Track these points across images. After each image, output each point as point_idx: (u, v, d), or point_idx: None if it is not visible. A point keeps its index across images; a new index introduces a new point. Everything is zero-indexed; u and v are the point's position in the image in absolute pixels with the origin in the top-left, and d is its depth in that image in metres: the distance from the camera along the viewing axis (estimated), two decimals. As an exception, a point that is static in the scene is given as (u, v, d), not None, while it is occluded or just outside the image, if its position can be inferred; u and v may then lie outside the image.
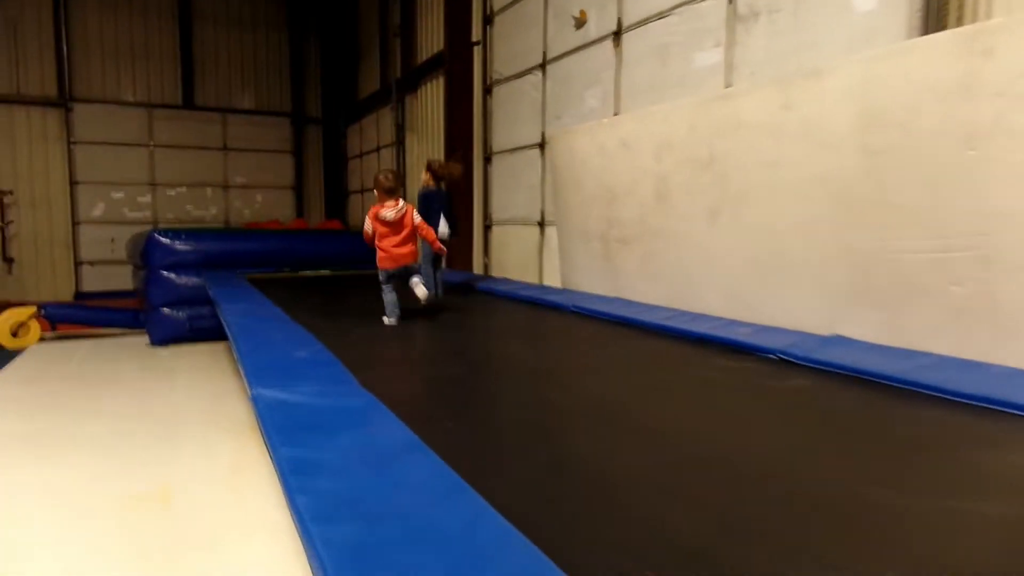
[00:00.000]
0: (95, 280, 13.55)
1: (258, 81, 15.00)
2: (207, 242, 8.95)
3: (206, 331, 8.76)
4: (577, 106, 6.33)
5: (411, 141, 11.12)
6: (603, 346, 3.78)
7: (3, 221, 12.89)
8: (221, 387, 6.30)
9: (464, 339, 4.33)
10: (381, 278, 4.48)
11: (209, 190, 14.59)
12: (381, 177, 4.47)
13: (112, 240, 13.49)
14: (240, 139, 14.72)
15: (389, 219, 4.41)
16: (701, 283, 4.18)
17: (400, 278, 4.47)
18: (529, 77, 7.14)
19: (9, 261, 13.11)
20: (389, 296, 4.45)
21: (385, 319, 4.45)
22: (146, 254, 8.72)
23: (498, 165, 8.10)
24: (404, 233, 4.46)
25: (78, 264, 13.57)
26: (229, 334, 4.00)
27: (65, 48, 13.29)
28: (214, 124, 14.53)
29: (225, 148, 14.64)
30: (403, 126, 11.10)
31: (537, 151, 7.10)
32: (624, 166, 4.63)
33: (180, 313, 8.73)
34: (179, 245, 8.74)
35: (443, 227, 5.66)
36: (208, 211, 14.62)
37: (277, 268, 8.72)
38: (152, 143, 14.05)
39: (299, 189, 15.39)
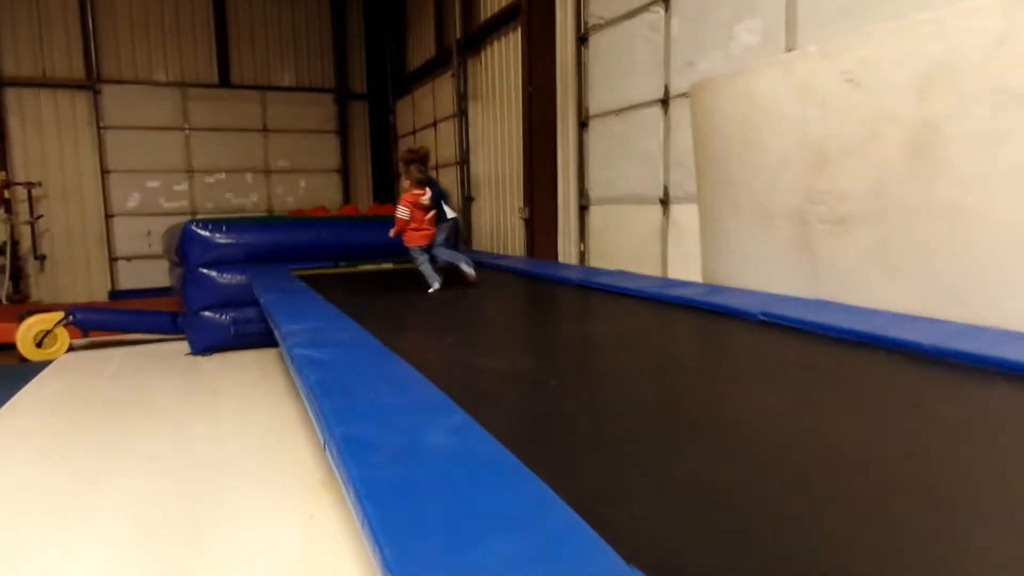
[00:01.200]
0: (132, 277, 12.53)
1: (298, 55, 13.74)
2: (251, 234, 7.72)
3: (253, 336, 7.58)
4: (721, 47, 4.86)
5: (475, 111, 9.74)
6: (871, 390, 2.37)
7: (33, 216, 11.91)
8: (278, 416, 5.05)
9: (635, 375, 2.95)
10: (415, 254, 5.60)
11: (249, 176, 13.44)
12: (415, 171, 5.41)
13: (148, 233, 12.45)
14: (281, 119, 13.51)
15: (426, 204, 5.48)
16: (1002, 283, 2.72)
17: (428, 253, 5.60)
18: (645, 16, 5.67)
19: (41, 259, 12.15)
20: (427, 266, 5.54)
21: (432, 288, 5.40)
22: (182, 249, 7.53)
23: (597, 131, 6.67)
24: (433, 214, 5.59)
25: (113, 260, 12.57)
26: (299, 378, 2.70)
27: (91, 25, 12.19)
28: (252, 103, 13.34)
29: (265, 129, 13.46)
30: (465, 95, 9.72)
31: (658, 109, 5.66)
32: (850, 113, 3.18)
33: (223, 317, 7.54)
34: (219, 238, 7.53)
35: (449, 211, 5.85)
36: (249, 199, 13.48)
37: (332, 263, 7.44)
38: (187, 126, 12.93)
39: (345, 172, 14.15)
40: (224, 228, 7.52)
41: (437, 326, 4.48)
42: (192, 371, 6.85)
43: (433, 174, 10.50)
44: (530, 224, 7.80)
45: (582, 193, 6.97)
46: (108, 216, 12.49)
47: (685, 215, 5.27)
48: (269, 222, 8.03)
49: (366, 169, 14.39)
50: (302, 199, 13.70)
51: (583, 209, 7.00)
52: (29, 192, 11.80)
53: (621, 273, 5.39)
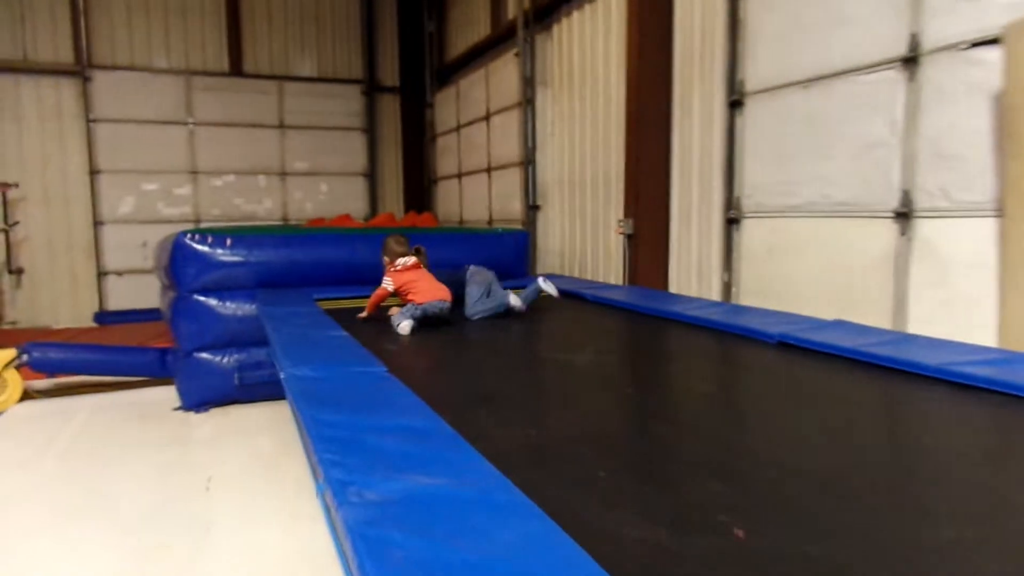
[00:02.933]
0: (123, 295, 10.68)
1: (321, 41, 11.93)
2: (264, 248, 5.83)
3: (266, 387, 5.70)
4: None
5: (545, 99, 7.85)
6: None
7: (7, 222, 10.08)
8: (302, 535, 3.12)
9: None
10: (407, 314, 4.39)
11: (263, 178, 11.59)
12: (394, 244, 4.78)
13: (144, 244, 10.61)
14: (300, 114, 11.67)
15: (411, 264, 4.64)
16: None
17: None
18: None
19: (17, 273, 10.32)
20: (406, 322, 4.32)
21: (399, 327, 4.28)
22: (174, 269, 5.64)
23: (760, 113, 4.76)
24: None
25: (102, 275, 10.72)
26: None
27: (82, 2, 10.42)
28: (268, 96, 11.52)
29: (282, 126, 11.62)
30: (532, 79, 7.84)
31: (893, 74, 3.74)
32: None
33: (225, 360, 5.65)
34: (222, 254, 5.64)
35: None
36: (261, 205, 11.62)
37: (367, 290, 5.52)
38: (192, 120, 11.11)
39: (372, 176, 12.29)
40: (228, 241, 5.63)
41: (563, 407, 2.55)
42: (180, 440, 4.94)
43: (485, 178, 8.60)
44: (632, 242, 5.87)
45: (729, 202, 5.02)
46: (97, 223, 10.67)
47: (950, 236, 3.35)
48: (287, 233, 6.11)
49: (396, 173, 12.53)
50: (323, 206, 11.84)
51: (731, 223, 5.05)
52: (4, 194, 9.99)
53: (846, 325, 3.41)
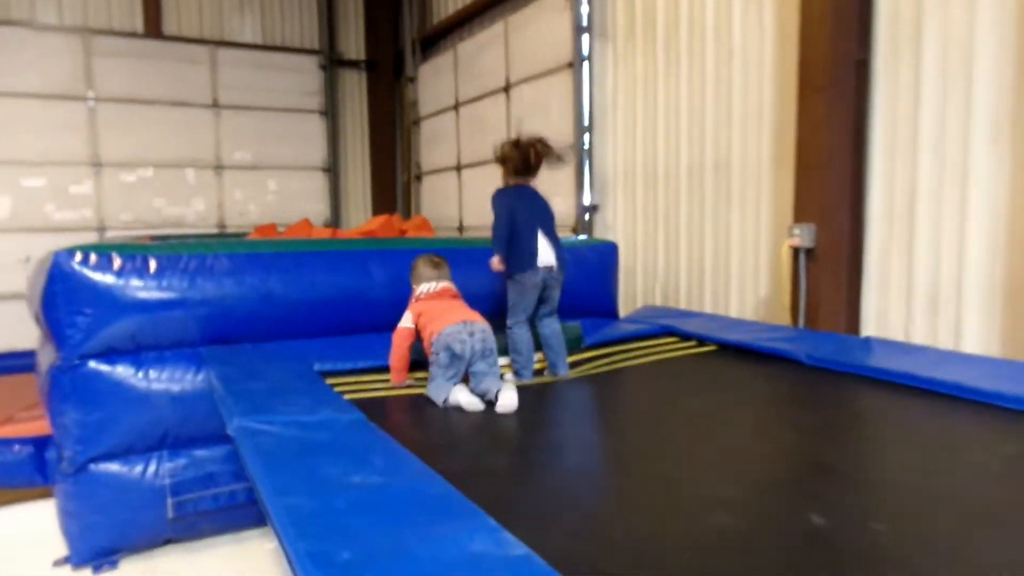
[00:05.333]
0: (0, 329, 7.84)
1: (266, -1, 9.41)
2: (215, 277, 3.41)
3: (220, 513, 3.34)
4: None
5: (604, 59, 5.68)
6: None
7: None
8: None
9: None
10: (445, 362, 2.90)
11: (191, 173, 8.93)
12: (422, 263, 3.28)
13: (27, 260, 7.80)
14: (240, 91, 9.10)
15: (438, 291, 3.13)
16: None
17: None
18: None
19: None
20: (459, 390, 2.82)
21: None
22: (50, 314, 3.17)
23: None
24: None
25: (-34, 303, 7.86)
26: None
27: (-66, -70, 7.59)
28: (197, 66, 8.89)
29: (216, 105, 9.01)
30: (591, 28, 5.64)
31: None
32: None
33: (147, 474, 3.21)
34: (139, 287, 3.20)
35: (547, 254, 3.22)
36: (190, 207, 8.97)
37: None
38: (93, 95, 8.38)
39: (334, 171, 9.81)
40: (151, 265, 3.22)
41: None
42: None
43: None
44: (812, 261, 3.78)
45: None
46: (-42, 233, 7.82)
47: None
48: (251, 250, 3.64)
49: (364, 166, 10.09)
50: (272, 209, 9.30)
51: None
52: None
53: None
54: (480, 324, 2.95)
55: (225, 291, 3.31)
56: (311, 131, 9.60)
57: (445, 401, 2.75)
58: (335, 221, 9.81)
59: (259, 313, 3.39)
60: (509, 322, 3.28)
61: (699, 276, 5.01)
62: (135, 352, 3.20)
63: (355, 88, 9.96)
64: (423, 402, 2.82)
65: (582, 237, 5.05)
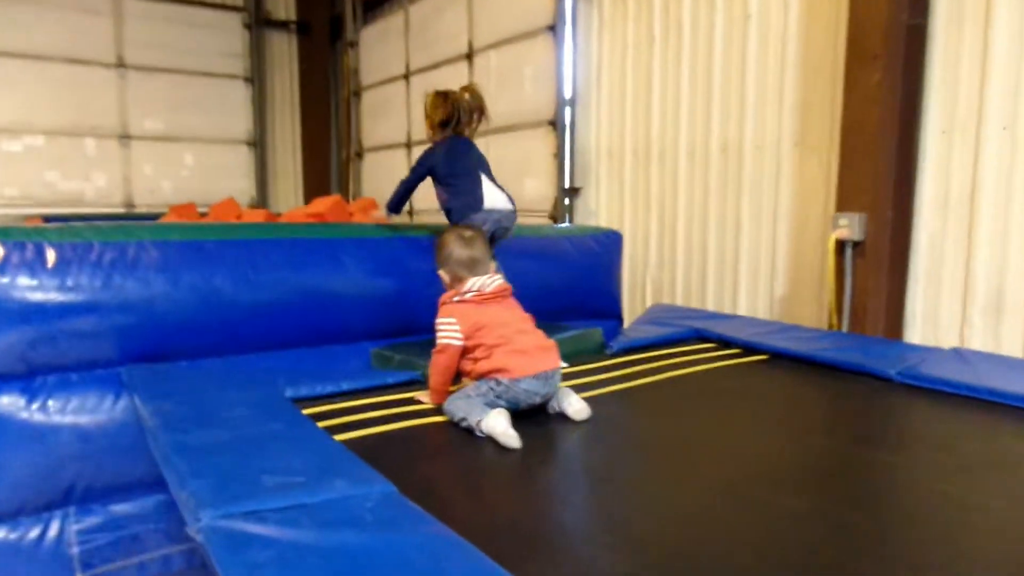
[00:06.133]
0: None
1: (181, -56, 8.23)
2: (139, 271, 2.55)
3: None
4: None
5: (590, 23, 5.03)
6: None
7: None
8: None
9: None
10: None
11: (91, 143, 7.72)
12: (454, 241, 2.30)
13: None
14: (151, 49, 7.93)
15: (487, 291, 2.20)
16: None
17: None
18: None
19: None
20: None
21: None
22: None
23: None
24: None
25: None
26: None
27: None
28: (98, 17, 7.66)
29: (121, 65, 7.81)
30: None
31: None
32: None
33: (47, 535, 2.37)
34: (29, 286, 2.34)
35: (496, 196, 2.82)
36: (90, 182, 7.76)
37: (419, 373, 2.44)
38: (-33, 46, 7.06)
39: (261, 145, 8.78)
40: (41, 255, 2.35)
41: None
42: None
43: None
44: (859, 255, 3.29)
45: None
46: None
47: None
48: (186, 235, 2.79)
49: (294, 142, 9.09)
50: (188, 186, 8.20)
51: None
52: None
53: None
54: (556, 370, 2.22)
55: (154, 292, 2.48)
56: (234, 99, 8.52)
57: (475, 424, 2.02)
58: (262, 201, 8.80)
59: (201, 320, 2.58)
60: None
61: (700, 270, 4.49)
62: (27, 376, 2.35)
63: (285, 52, 8.92)
64: (438, 436, 2.11)
65: (585, 224, 4.43)
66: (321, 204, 4.88)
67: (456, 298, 2.23)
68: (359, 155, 8.23)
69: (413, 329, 3.10)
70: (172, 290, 2.52)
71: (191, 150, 8.27)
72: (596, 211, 5.14)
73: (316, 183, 8.88)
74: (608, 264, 3.87)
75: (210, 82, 8.31)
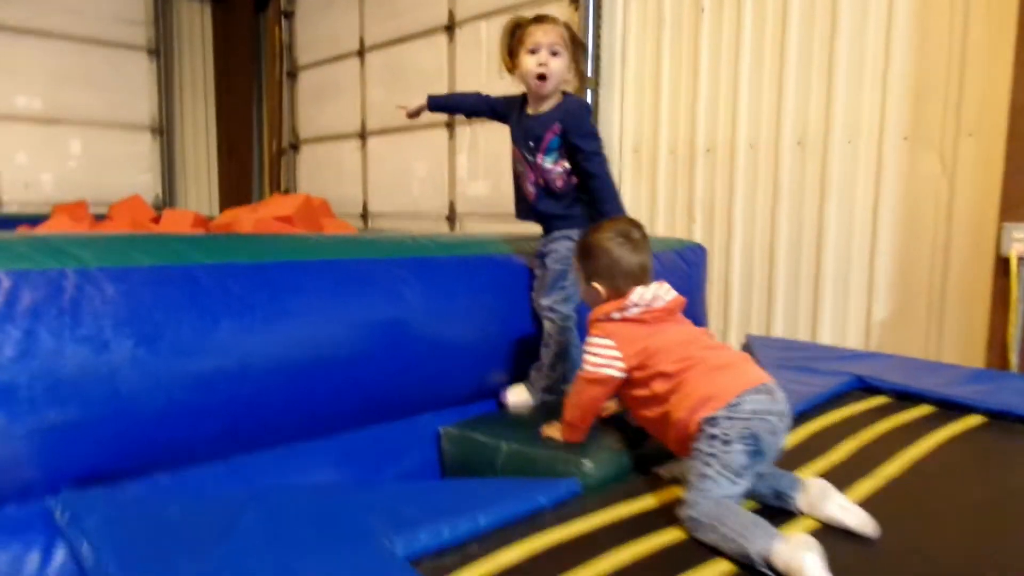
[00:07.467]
0: None
1: None
2: (77, 325, 1.40)
3: None
4: None
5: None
6: None
7: None
8: None
9: None
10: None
11: (-56, 122, 6.08)
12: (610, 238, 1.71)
13: None
14: (24, 8, 6.35)
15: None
16: None
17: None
18: None
19: None
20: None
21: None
22: None
23: None
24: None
25: None
26: None
27: None
28: (-48, -37, 6.02)
29: (-15, 25, 6.21)
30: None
31: None
32: None
33: None
34: None
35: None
36: (-56, 174, 6.11)
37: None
38: None
39: (168, 131, 7.34)
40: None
41: None
42: None
43: (440, 138, 5.09)
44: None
45: None
46: None
47: None
48: (165, 258, 1.69)
49: (207, 129, 7.69)
50: (75, 179, 6.67)
51: None
52: None
53: None
54: (777, 386, 1.46)
55: (116, 357, 1.39)
56: (134, 75, 7.04)
57: (756, 555, 1.15)
58: (169, 199, 7.36)
59: (196, 403, 1.50)
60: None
61: (764, 287, 3.75)
62: None
63: (197, 23, 7.52)
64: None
65: (666, 236, 3.58)
66: (286, 204, 3.72)
67: (616, 314, 1.64)
68: (294, 147, 6.97)
69: (486, 391, 2.14)
70: (146, 353, 1.44)
71: (79, 135, 6.72)
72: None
73: (235, 179, 7.53)
74: (696, 283, 3.04)
75: (104, 52, 6.80)
